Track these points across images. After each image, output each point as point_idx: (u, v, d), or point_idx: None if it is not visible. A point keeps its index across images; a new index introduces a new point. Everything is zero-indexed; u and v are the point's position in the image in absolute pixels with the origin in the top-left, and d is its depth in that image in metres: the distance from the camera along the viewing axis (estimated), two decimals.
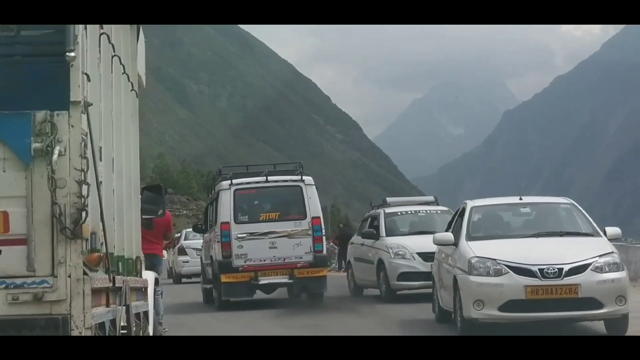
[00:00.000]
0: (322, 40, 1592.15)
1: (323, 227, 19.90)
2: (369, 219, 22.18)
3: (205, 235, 22.10)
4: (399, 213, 21.61)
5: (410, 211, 21.84)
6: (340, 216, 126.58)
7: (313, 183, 19.72)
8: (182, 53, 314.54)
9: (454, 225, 14.42)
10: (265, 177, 19.83)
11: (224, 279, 19.37)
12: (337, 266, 44.83)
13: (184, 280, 34.13)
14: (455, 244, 13.34)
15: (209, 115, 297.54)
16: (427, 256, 18.46)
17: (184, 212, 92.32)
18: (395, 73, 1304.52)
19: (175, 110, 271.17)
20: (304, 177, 19.70)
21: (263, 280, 19.44)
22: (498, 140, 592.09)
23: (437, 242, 14.04)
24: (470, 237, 13.20)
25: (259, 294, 20.39)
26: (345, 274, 39.24)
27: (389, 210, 21.65)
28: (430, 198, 22.94)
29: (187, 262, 33.60)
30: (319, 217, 19.66)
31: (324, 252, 20.22)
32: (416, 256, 19.66)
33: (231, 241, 19.28)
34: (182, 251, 34.14)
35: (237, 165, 22.77)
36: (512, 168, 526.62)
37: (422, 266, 19.32)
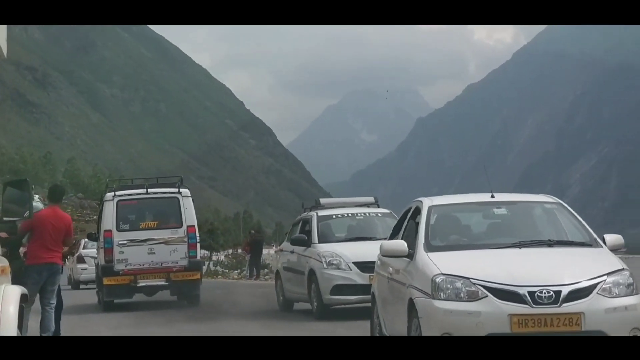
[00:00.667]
0: (237, 45, 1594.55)
1: (197, 235, 22.00)
2: (300, 223, 19.73)
3: (96, 242, 23.53)
4: (334, 216, 19.13)
5: (347, 214, 19.31)
6: (253, 222, 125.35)
7: (190, 195, 21.97)
8: (95, 57, 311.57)
9: (403, 230, 11.22)
10: (145, 189, 21.99)
11: (106, 281, 21.50)
12: (247, 273, 43.50)
13: (82, 286, 35.79)
14: (411, 255, 10.11)
15: (122, 119, 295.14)
16: (365, 266, 16.32)
17: (94, 217, 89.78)
18: (310, 79, 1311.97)
19: (88, 114, 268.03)
20: (181, 190, 21.90)
21: (142, 283, 21.54)
22: (411, 147, 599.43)
23: (386, 253, 10.57)
24: (430, 247, 9.98)
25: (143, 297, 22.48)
26: (256, 281, 38.11)
27: (322, 212, 19.15)
28: (370, 199, 20.32)
29: (85, 269, 35.63)
30: (193, 226, 21.78)
31: (198, 257, 22.22)
32: (353, 266, 17.17)
33: (113, 247, 21.37)
34: (81, 259, 36.03)
35: (124, 179, 25.55)
36: (425, 175, 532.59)
37: (359, 278, 16.92)
